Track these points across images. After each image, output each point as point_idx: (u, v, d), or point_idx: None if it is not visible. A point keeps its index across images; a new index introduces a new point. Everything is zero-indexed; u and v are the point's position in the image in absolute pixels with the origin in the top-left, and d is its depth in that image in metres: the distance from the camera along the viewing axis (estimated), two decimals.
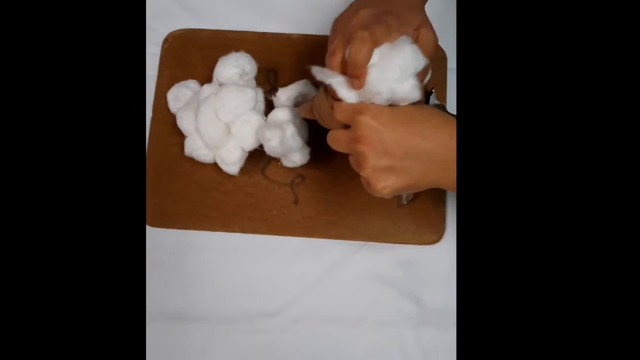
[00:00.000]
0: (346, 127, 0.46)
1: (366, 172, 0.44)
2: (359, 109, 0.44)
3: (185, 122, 0.59)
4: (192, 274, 0.58)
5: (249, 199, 0.60)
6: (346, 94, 0.45)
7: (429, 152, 0.43)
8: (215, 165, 0.60)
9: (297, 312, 0.57)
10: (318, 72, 0.46)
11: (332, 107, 0.46)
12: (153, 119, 0.63)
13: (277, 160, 0.61)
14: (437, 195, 0.60)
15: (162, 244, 0.59)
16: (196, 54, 0.64)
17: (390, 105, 0.45)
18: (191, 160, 0.61)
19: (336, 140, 0.47)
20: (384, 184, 0.44)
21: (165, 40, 0.65)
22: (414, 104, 0.45)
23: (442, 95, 0.62)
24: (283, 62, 0.64)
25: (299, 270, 0.58)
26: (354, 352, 0.56)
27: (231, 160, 0.58)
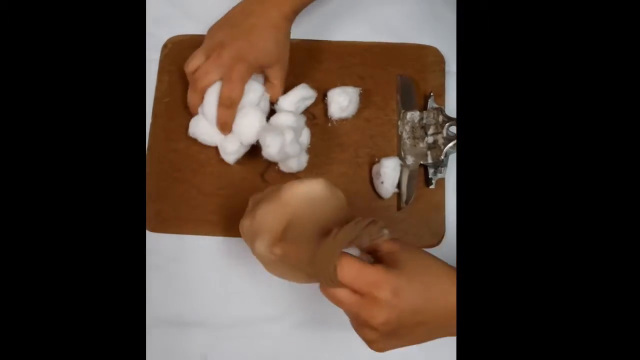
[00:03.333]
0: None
1: (370, 337, 0.42)
2: (375, 281, 0.39)
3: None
4: (193, 279, 0.58)
5: (248, 203, 0.60)
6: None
7: (439, 318, 0.41)
8: (215, 169, 0.60)
9: (299, 317, 0.57)
10: None
11: (334, 266, 0.40)
12: (152, 124, 0.63)
13: (276, 164, 0.61)
14: (436, 199, 0.60)
15: (162, 249, 0.59)
16: None
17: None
18: (191, 165, 0.61)
19: (340, 302, 0.41)
20: (385, 346, 0.42)
21: (165, 46, 0.65)
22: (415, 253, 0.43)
23: (441, 99, 0.63)
24: None
25: None
26: (357, 356, 0.56)
27: (228, 150, 0.58)
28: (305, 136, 0.59)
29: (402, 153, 0.60)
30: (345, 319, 0.56)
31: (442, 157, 0.59)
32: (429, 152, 0.60)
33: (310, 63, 0.64)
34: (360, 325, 0.42)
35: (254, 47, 0.56)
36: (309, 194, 0.45)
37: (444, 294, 0.41)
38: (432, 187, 0.59)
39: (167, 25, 0.66)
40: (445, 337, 0.54)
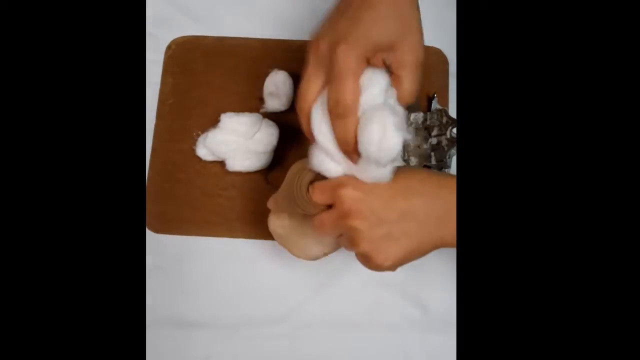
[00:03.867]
0: (328, 207, 0.43)
1: (363, 247, 0.40)
2: (337, 183, 0.42)
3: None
4: (196, 280, 0.58)
5: (252, 204, 0.60)
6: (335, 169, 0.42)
7: (424, 208, 0.40)
8: (218, 171, 0.60)
9: (301, 318, 0.57)
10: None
11: (307, 191, 0.44)
12: (156, 125, 0.63)
13: (279, 166, 0.61)
14: None
15: (165, 250, 0.59)
16: (199, 60, 0.65)
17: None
18: (194, 166, 0.61)
19: (322, 223, 0.43)
20: (385, 255, 0.40)
21: (168, 48, 0.66)
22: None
23: (444, 100, 0.62)
24: (286, 68, 0.64)
25: (303, 276, 0.58)
26: (359, 357, 0.56)
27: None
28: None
29: (406, 154, 0.60)
30: (347, 320, 0.57)
31: (446, 158, 0.59)
32: (432, 154, 0.60)
33: None
34: (350, 241, 0.42)
35: (360, 23, 0.38)
36: (300, 167, 0.48)
37: (419, 183, 0.41)
38: None
39: (170, 27, 0.66)
40: (448, 338, 0.55)
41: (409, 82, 0.39)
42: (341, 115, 0.38)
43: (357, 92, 0.38)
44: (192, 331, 0.57)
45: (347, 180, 0.41)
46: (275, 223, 0.51)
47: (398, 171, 0.42)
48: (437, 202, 0.40)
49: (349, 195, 0.40)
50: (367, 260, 0.41)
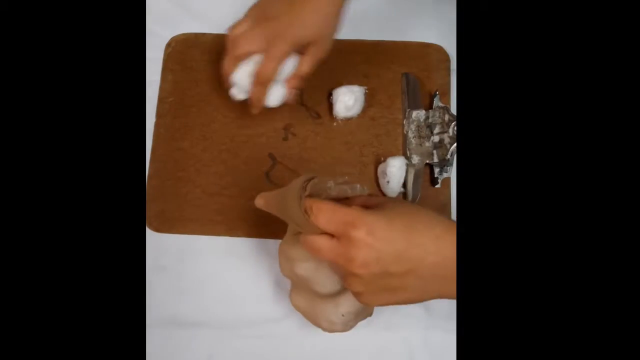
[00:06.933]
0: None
1: (357, 289, 0.39)
2: (351, 220, 0.37)
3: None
4: (198, 279, 0.58)
5: (253, 203, 0.60)
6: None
7: (432, 268, 0.38)
8: (219, 169, 0.60)
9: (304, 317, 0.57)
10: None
11: (304, 210, 0.39)
12: (156, 123, 0.63)
13: (281, 164, 0.60)
14: (442, 198, 0.59)
15: (166, 249, 0.59)
16: (199, 58, 0.64)
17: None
18: (195, 164, 0.61)
19: (317, 249, 0.39)
20: (375, 301, 0.40)
21: (168, 45, 0.65)
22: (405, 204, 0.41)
23: (446, 98, 0.62)
24: None
25: None
26: (362, 356, 0.56)
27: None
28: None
29: (408, 152, 0.60)
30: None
31: (448, 156, 0.59)
32: (434, 151, 0.59)
33: None
34: (344, 275, 0.40)
35: (298, 20, 0.52)
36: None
37: (434, 241, 0.38)
38: (437, 186, 0.59)
39: (170, 24, 0.66)
40: (451, 337, 0.55)
41: (308, 66, 0.54)
42: (262, 84, 0.55)
43: (277, 72, 0.54)
44: (194, 330, 0.57)
45: (362, 219, 0.37)
46: (297, 299, 0.49)
47: (413, 216, 0.39)
48: (447, 264, 0.38)
49: (361, 239, 0.37)
50: (355, 295, 0.40)
